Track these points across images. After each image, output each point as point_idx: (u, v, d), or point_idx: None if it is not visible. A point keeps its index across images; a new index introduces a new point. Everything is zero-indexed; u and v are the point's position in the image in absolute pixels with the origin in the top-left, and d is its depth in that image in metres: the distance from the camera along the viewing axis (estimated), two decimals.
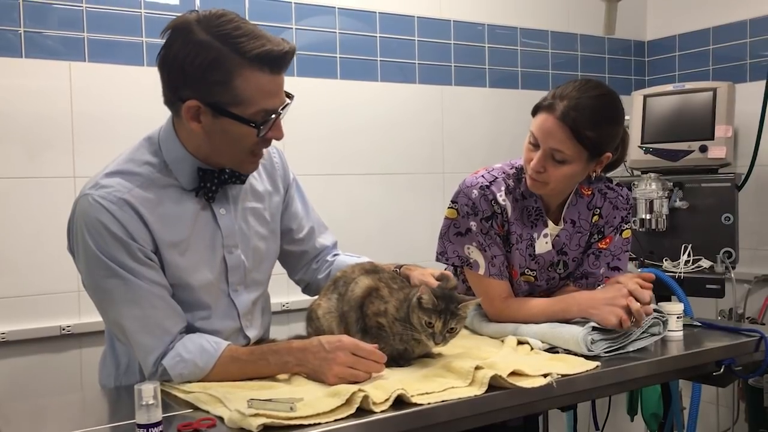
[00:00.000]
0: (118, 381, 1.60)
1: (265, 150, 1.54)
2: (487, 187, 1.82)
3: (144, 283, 1.42)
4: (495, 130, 3.02)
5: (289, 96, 1.46)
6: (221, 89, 1.37)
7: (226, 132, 1.42)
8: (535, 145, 1.76)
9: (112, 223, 1.40)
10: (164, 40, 1.40)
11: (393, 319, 1.52)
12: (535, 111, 1.78)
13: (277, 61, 1.40)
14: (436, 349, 1.57)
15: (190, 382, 1.44)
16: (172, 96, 1.43)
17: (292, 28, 2.57)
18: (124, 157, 1.49)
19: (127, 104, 2.27)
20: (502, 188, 1.83)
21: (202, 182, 1.49)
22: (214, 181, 1.50)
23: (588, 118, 1.70)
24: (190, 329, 1.50)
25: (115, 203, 1.41)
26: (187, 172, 1.49)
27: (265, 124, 1.42)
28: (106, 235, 1.40)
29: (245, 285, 1.61)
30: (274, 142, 1.52)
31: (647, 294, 1.67)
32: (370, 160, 2.77)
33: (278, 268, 1.78)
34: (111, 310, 1.45)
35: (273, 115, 1.43)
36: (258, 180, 1.64)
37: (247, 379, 1.45)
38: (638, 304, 1.64)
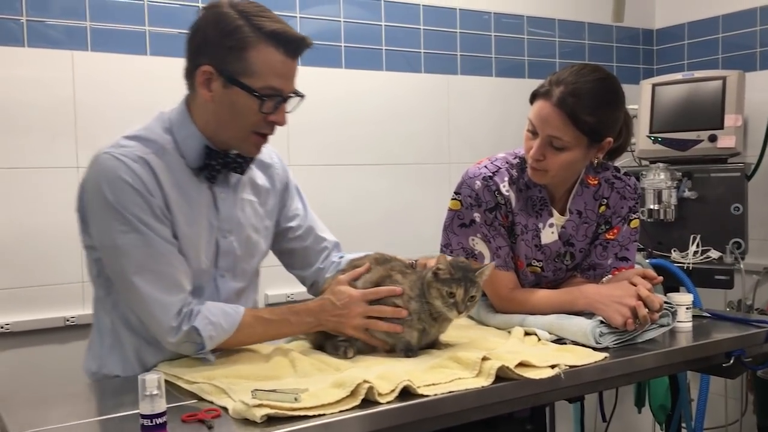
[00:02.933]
0: (102, 364, 1.58)
1: (265, 150, 1.61)
2: (491, 177, 1.80)
3: (161, 240, 1.46)
4: (501, 120, 3.00)
5: (300, 94, 1.53)
6: (235, 57, 1.45)
7: (233, 103, 1.48)
8: (534, 133, 1.74)
9: (133, 178, 1.45)
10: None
11: (408, 299, 1.53)
12: (533, 98, 1.76)
13: (291, 43, 1.48)
14: (457, 321, 1.56)
15: (202, 362, 1.46)
16: (191, 63, 1.51)
17: (296, 17, 2.55)
18: (140, 127, 1.55)
19: (131, 94, 2.25)
20: (506, 179, 1.81)
21: (208, 159, 1.53)
22: (219, 161, 1.54)
23: (586, 103, 1.67)
24: None
25: (135, 161, 1.46)
26: (195, 148, 1.54)
27: (269, 100, 1.47)
28: (127, 190, 1.44)
29: (233, 273, 1.63)
30: (272, 145, 1.61)
31: (657, 302, 1.64)
32: (374, 150, 2.75)
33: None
34: (127, 267, 1.45)
35: (279, 97, 1.48)
36: (258, 176, 1.68)
37: (252, 370, 1.44)
38: (646, 310, 1.62)
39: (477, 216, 1.80)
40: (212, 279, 1.59)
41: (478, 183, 1.80)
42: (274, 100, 1.48)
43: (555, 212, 1.85)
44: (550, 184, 1.83)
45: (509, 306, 1.81)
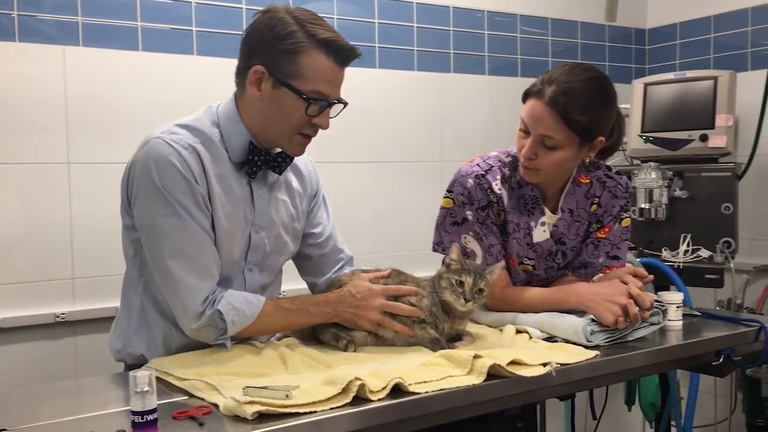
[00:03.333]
0: (127, 343, 1.63)
1: (300, 158, 1.73)
2: (483, 176, 1.81)
3: (199, 227, 1.52)
4: (494, 118, 3.00)
5: (344, 102, 1.60)
6: (287, 60, 1.52)
7: (280, 103, 1.55)
8: (526, 132, 1.74)
9: (181, 163, 1.50)
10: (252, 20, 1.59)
11: (420, 297, 1.59)
12: (525, 97, 1.76)
13: (341, 51, 1.55)
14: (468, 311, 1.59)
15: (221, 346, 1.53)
16: (244, 64, 1.57)
17: None
18: (189, 118, 1.61)
19: (123, 89, 2.24)
20: (498, 177, 1.82)
21: (251, 155, 1.59)
22: (261, 157, 1.61)
23: (578, 103, 1.67)
24: None
25: (185, 148, 1.52)
26: (239, 144, 1.60)
27: (315, 104, 1.54)
28: (174, 174, 1.50)
29: (261, 268, 1.69)
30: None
31: (648, 301, 1.65)
32: (367, 148, 2.75)
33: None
34: (163, 249, 1.51)
35: (325, 101, 1.55)
36: (293, 179, 1.75)
37: (243, 367, 1.43)
38: (637, 308, 1.62)
39: (469, 214, 1.80)
40: (241, 271, 1.65)
41: (471, 181, 1.80)
42: (320, 104, 1.55)
43: (547, 211, 1.85)
44: (542, 183, 1.83)
45: (501, 304, 1.81)
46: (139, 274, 1.62)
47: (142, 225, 1.54)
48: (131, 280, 1.65)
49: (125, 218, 1.61)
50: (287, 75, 1.52)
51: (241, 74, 1.59)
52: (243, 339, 1.64)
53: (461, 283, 1.55)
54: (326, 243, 1.83)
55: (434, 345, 1.54)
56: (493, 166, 1.83)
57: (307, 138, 1.62)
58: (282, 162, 1.65)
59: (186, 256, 1.51)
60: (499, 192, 1.81)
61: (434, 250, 1.88)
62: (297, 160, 1.74)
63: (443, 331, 1.58)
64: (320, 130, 1.61)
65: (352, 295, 1.60)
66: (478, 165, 1.83)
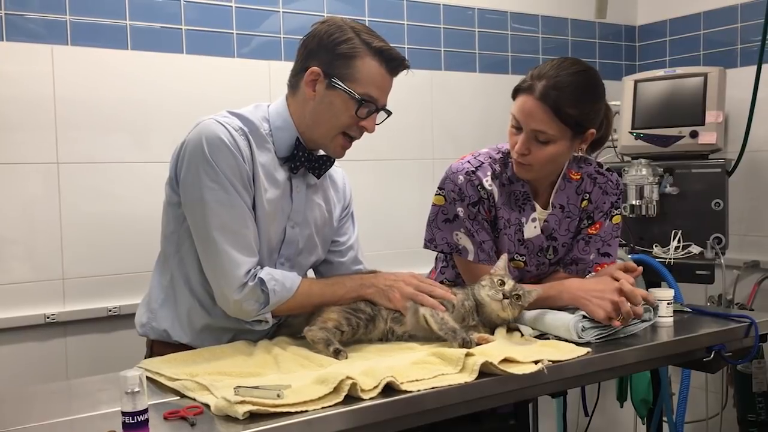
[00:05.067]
0: (152, 318, 1.71)
1: (339, 172, 1.87)
2: (473, 172, 1.81)
3: (244, 204, 1.59)
4: (485, 116, 3.00)
5: (388, 112, 1.73)
6: (342, 63, 1.62)
7: (332, 103, 1.65)
8: (518, 128, 1.75)
9: (231, 141, 1.59)
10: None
11: (455, 292, 1.67)
12: (515, 93, 1.77)
13: (393, 61, 1.67)
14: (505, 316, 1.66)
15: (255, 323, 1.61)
16: (301, 65, 1.67)
17: (279, 12, 2.54)
18: (241, 109, 1.69)
19: (112, 88, 2.23)
20: (488, 173, 1.82)
21: (296, 150, 1.68)
22: (305, 155, 1.69)
23: (568, 96, 1.69)
24: None
25: (236, 130, 1.61)
26: (286, 139, 1.69)
27: (365, 106, 1.64)
28: (224, 150, 1.57)
29: (291, 264, 1.75)
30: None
31: (639, 297, 1.66)
32: (357, 146, 2.71)
33: None
34: (210, 221, 1.57)
35: (374, 105, 1.66)
36: (329, 189, 1.84)
37: (235, 367, 1.43)
38: (628, 305, 1.63)
39: (460, 210, 1.80)
40: (273, 264, 1.71)
41: (461, 178, 1.81)
42: (369, 108, 1.66)
43: (538, 206, 1.86)
44: (534, 179, 1.84)
45: None
46: (175, 249, 1.69)
47: (190, 198, 1.60)
48: (166, 257, 1.72)
49: (170, 195, 1.68)
50: (342, 77, 1.62)
51: (296, 75, 1.69)
52: (237, 338, 1.64)
53: (502, 283, 1.61)
54: (347, 252, 1.89)
55: (465, 343, 1.51)
56: (483, 163, 1.84)
57: (349, 141, 1.71)
58: (322, 165, 1.73)
59: (231, 229, 1.57)
60: (489, 188, 1.81)
61: (426, 246, 1.88)
62: (335, 173, 1.85)
63: (468, 325, 1.61)
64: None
65: (386, 275, 1.69)
66: (468, 162, 1.84)
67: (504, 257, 1.68)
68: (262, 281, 1.58)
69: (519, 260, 1.87)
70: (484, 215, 1.82)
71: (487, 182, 1.81)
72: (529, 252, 1.87)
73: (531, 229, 1.85)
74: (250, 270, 1.58)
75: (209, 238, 1.58)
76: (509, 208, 1.84)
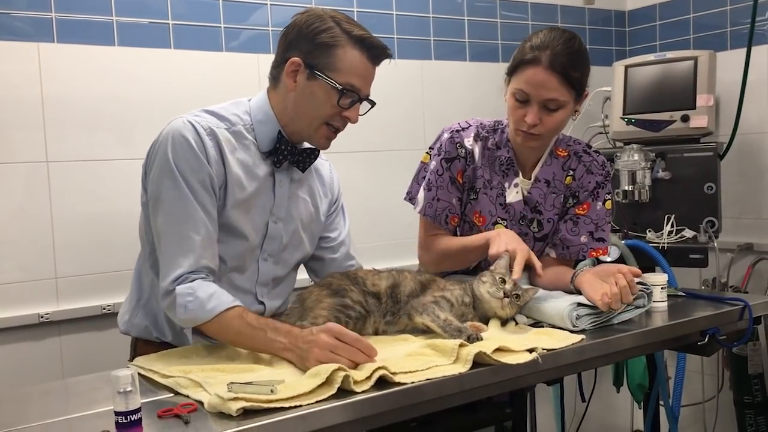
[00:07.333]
0: (133, 315, 1.71)
1: (326, 166, 1.84)
2: (458, 132, 1.91)
3: (198, 207, 1.54)
4: (476, 104, 2.98)
5: (372, 102, 1.69)
6: (323, 53, 1.60)
7: (313, 94, 1.62)
8: (523, 101, 1.78)
9: (196, 141, 1.56)
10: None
11: (452, 290, 1.64)
12: (514, 69, 1.80)
13: (374, 49, 1.64)
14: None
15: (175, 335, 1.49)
16: (281, 56, 1.65)
17: (267, 4, 2.52)
18: (217, 106, 1.66)
19: (99, 85, 2.21)
20: (472, 134, 1.91)
21: (278, 144, 1.65)
22: (287, 148, 1.67)
23: (573, 60, 1.76)
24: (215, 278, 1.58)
25: (204, 129, 1.58)
26: (268, 132, 1.66)
27: (347, 95, 1.61)
28: (186, 151, 1.54)
29: (276, 260, 1.73)
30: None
31: (630, 298, 1.65)
32: (349, 137, 2.69)
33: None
34: (160, 217, 1.55)
35: (356, 95, 1.63)
36: (315, 183, 1.81)
37: (228, 362, 1.42)
38: (617, 288, 1.62)
39: (433, 164, 1.90)
40: (256, 260, 1.69)
41: (446, 135, 1.92)
42: (351, 97, 1.63)
43: (521, 175, 1.91)
44: (531, 149, 1.87)
45: (425, 253, 1.92)
46: (150, 250, 1.66)
47: (150, 196, 1.58)
48: (144, 258, 1.70)
49: (142, 194, 1.66)
50: (323, 67, 1.60)
51: (277, 67, 1.66)
52: None
53: (503, 281, 1.60)
54: (338, 248, 1.87)
55: (471, 339, 1.48)
56: (471, 125, 1.93)
57: (334, 132, 1.68)
58: (306, 159, 1.71)
59: (175, 231, 1.53)
60: (470, 147, 1.89)
61: (405, 198, 1.99)
62: (321, 166, 1.82)
63: (466, 320, 1.60)
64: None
65: (310, 330, 1.40)
66: (458, 123, 1.94)
67: (506, 257, 1.65)
68: (180, 294, 1.48)
69: (501, 224, 1.92)
70: (453, 175, 1.88)
71: (468, 142, 1.89)
72: (510, 217, 1.91)
73: (513, 194, 1.90)
74: (181, 275, 1.49)
75: (158, 236, 1.56)
76: (491, 170, 1.90)
